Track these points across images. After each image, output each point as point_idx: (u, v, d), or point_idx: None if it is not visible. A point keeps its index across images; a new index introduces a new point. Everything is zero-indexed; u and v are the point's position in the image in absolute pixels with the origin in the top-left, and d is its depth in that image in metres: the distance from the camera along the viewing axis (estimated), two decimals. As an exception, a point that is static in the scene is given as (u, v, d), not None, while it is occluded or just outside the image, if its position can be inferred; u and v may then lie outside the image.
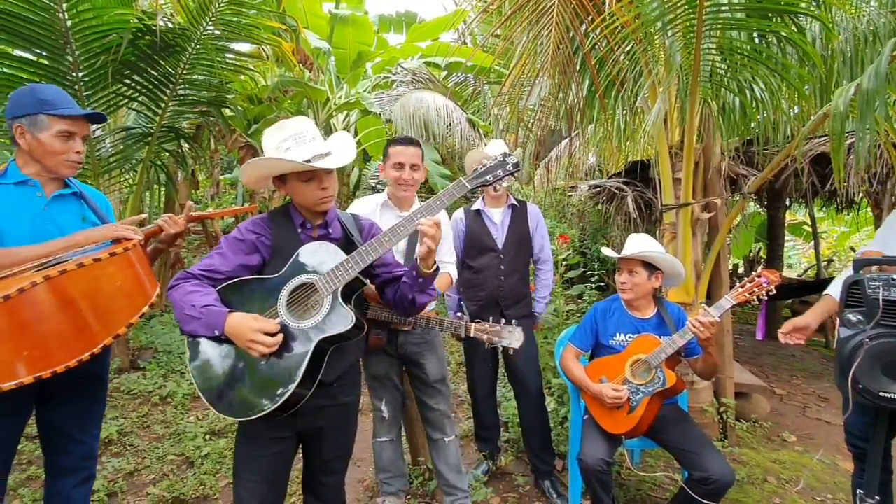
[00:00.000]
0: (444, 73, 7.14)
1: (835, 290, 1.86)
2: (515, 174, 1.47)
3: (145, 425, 3.34)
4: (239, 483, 1.47)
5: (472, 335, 1.75)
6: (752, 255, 10.30)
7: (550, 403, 3.05)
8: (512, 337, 1.69)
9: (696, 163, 3.31)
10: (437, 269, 1.48)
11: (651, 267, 2.17)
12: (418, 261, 1.43)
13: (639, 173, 4.49)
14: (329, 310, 1.33)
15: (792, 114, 3.27)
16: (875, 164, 3.98)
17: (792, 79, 2.78)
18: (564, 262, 3.48)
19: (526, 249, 2.56)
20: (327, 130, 7.23)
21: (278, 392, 1.30)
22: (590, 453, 2.00)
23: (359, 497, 2.53)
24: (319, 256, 1.40)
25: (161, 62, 3.71)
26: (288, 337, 1.32)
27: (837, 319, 1.63)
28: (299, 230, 1.51)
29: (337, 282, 1.34)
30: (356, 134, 7.18)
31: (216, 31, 3.67)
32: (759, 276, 1.89)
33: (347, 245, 1.47)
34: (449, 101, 5.59)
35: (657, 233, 3.40)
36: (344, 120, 6.85)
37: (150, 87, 3.80)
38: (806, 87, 3.01)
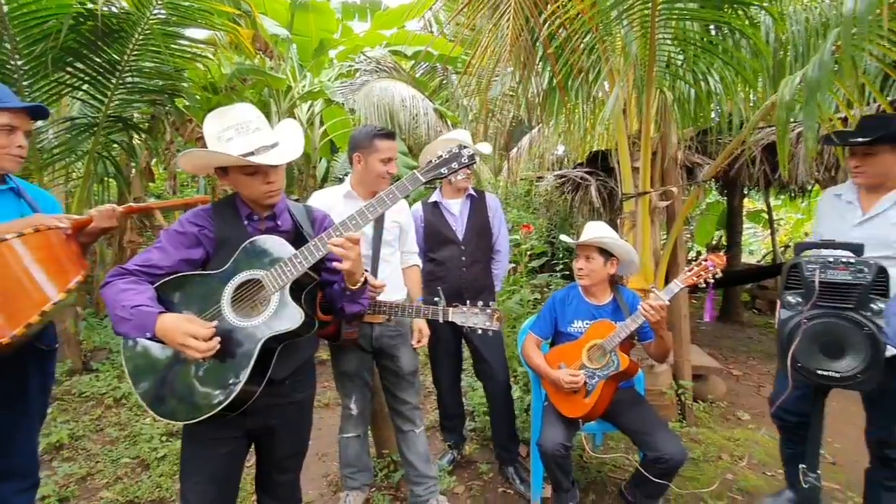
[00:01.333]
0: (410, 63, 7.05)
1: None
2: (471, 166, 1.45)
3: (98, 428, 3.21)
4: (186, 486, 1.42)
5: (450, 319, 1.73)
6: (713, 242, 10.67)
7: (516, 392, 3.08)
8: (491, 319, 1.69)
9: (654, 152, 3.38)
10: (366, 282, 1.45)
11: (607, 253, 2.20)
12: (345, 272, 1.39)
13: (601, 163, 4.56)
14: (276, 307, 1.29)
15: (745, 104, 3.37)
16: (823, 153, 4.16)
17: (744, 70, 2.86)
18: (529, 252, 3.51)
19: (486, 240, 2.56)
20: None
21: (223, 393, 1.25)
22: (549, 438, 2.03)
23: (322, 492, 2.50)
24: (266, 251, 1.35)
25: (105, 49, 3.52)
26: (232, 336, 1.28)
27: (777, 303, 1.69)
28: (245, 222, 1.45)
29: (284, 277, 1.30)
30: (321, 124, 7.02)
31: (164, 16, 3.49)
32: (705, 261, 1.94)
33: (297, 239, 1.42)
34: (415, 90, 5.51)
35: (618, 221, 3.46)
36: (308, 110, 6.67)
37: (95, 74, 3.60)
38: (759, 78, 3.10)
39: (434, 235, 2.51)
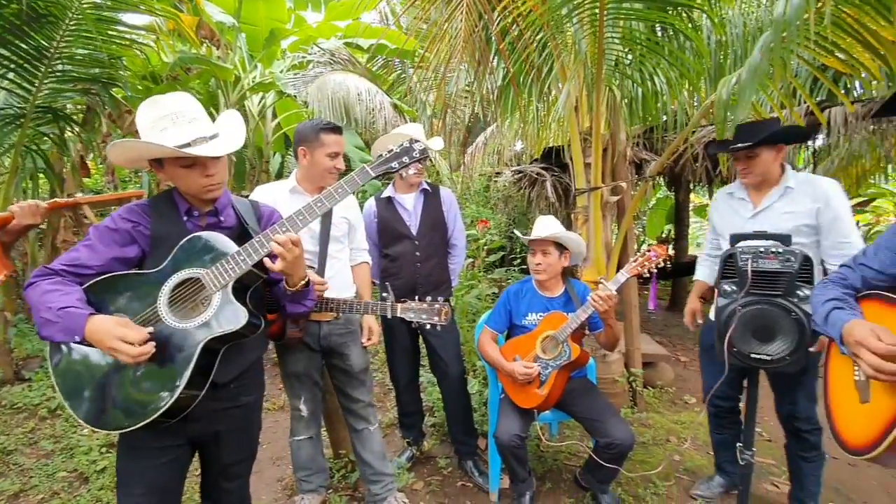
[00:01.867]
0: (366, 56, 6.93)
1: (700, 275, 2.41)
2: (423, 161, 1.43)
3: (32, 441, 2.99)
4: (124, 498, 1.34)
5: (398, 315, 1.72)
6: (663, 235, 11.17)
7: (475, 385, 3.11)
8: (440, 314, 1.69)
9: (605, 149, 3.48)
10: (308, 284, 1.41)
11: (561, 247, 2.25)
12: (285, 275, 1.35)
13: (555, 159, 4.66)
14: (218, 307, 1.23)
15: (688, 104, 3.53)
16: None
17: (687, 72, 2.99)
18: (486, 247, 3.54)
19: (441, 234, 2.55)
20: (241, 113, 6.78)
21: (161, 399, 1.19)
22: (504, 430, 2.06)
23: (277, 497, 2.43)
24: (207, 248, 1.28)
25: (32, 34, 3.25)
26: (170, 339, 1.21)
27: (716, 290, 1.79)
28: (185, 218, 1.37)
29: (226, 276, 1.24)
30: (274, 117, 6.78)
31: (98, 1, 3.26)
32: (649, 251, 2.02)
33: (242, 235, 1.36)
34: (372, 84, 5.42)
35: (572, 216, 3.55)
36: (260, 102, 6.43)
37: (21, 62, 3.32)
38: (701, 80, 3.26)
39: (388, 231, 2.48)
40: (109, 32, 3.49)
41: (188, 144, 1.25)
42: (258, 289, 1.40)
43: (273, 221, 1.45)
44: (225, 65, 4.99)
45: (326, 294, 1.93)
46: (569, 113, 3.26)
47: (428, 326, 1.68)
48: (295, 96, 4.98)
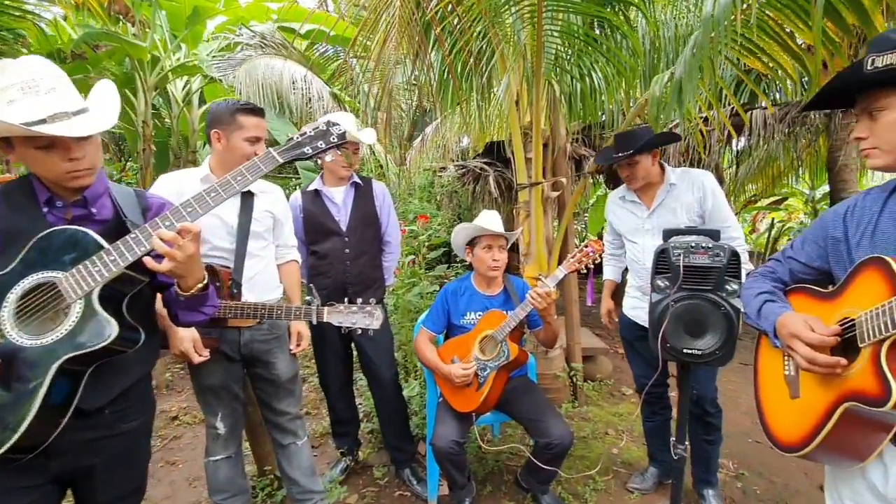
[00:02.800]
0: (305, 43, 6.57)
1: (608, 275, 2.58)
2: (341, 147, 1.27)
3: None
4: None
5: (325, 320, 1.58)
6: (589, 239, 11.58)
7: (415, 388, 2.99)
8: (371, 317, 1.56)
9: (545, 144, 3.47)
10: (207, 287, 1.21)
11: (507, 243, 2.19)
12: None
13: (498, 153, 4.62)
14: (78, 319, 1.01)
15: (624, 102, 3.59)
16: (689, 149, 4.62)
17: (623, 70, 3.01)
18: (427, 243, 3.41)
19: (374, 230, 2.39)
20: (164, 98, 6.23)
21: (4, 433, 0.96)
22: (441, 436, 1.96)
23: (192, 523, 2.19)
24: (67, 246, 1.05)
25: None
26: (16, 358, 0.98)
27: (649, 287, 1.77)
28: (45, 209, 1.13)
29: (90, 280, 1.02)
30: (203, 103, 6.29)
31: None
32: (586, 247, 1.99)
33: (119, 231, 1.14)
34: (309, 72, 5.13)
35: (514, 211, 3.51)
36: (185, 87, 5.92)
37: None
38: (636, 78, 3.31)
39: (314, 226, 2.29)
40: (4, 3, 3.01)
41: (43, 121, 1.02)
42: (143, 295, 1.19)
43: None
44: (138, 42, 4.51)
45: (246, 297, 1.73)
46: (509, 106, 3.21)
47: (359, 332, 1.54)
48: (221, 80, 4.59)
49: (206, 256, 1.68)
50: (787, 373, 1.13)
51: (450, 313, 2.22)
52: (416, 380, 3.15)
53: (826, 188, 10.35)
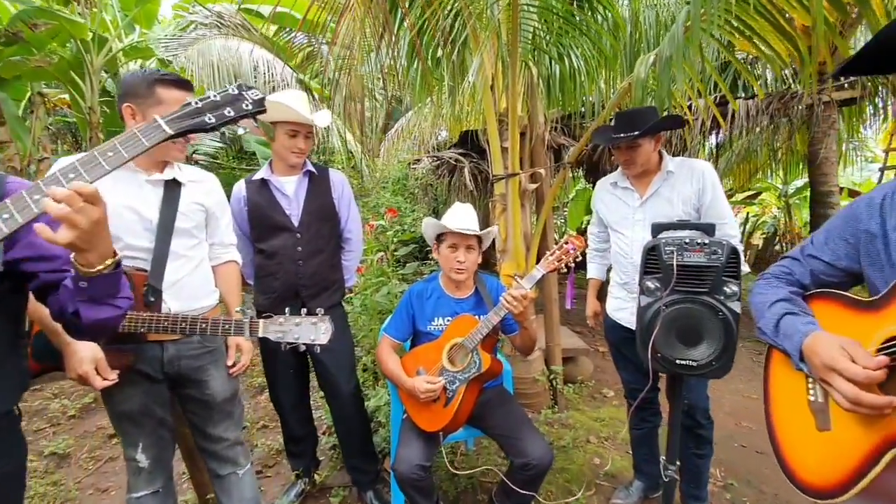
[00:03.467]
0: (271, 27, 6.19)
1: (592, 273, 2.36)
2: (257, 117, 1.01)
3: None
4: None
5: (260, 335, 1.33)
6: (584, 226, 11.50)
7: (383, 397, 2.74)
8: (316, 330, 1.32)
9: (522, 133, 3.25)
10: (118, 268, 0.93)
11: (480, 241, 1.95)
12: (75, 256, 0.87)
13: (472, 144, 4.39)
14: None
15: (606, 89, 3.39)
16: (671, 140, 4.47)
17: (605, 49, 2.81)
18: (396, 239, 3.16)
19: (331, 226, 2.11)
20: (116, 83, 5.78)
21: None
22: (404, 459, 1.72)
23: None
24: None
25: None
26: None
27: (637, 289, 1.57)
28: None
29: None
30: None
31: None
32: (566, 244, 1.77)
33: None
34: (274, 57, 4.79)
35: (490, 204, 3.29)
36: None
37: None
38: (618, 61, 3.11)
39: (261, 221, 2.01)
40: None
41: None
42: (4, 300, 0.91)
43: None
44: (78, 20, 4.10)
45: (170, 306, 1.46)
46: (484, 91, 2.97)
47: (303, 348, 1.29)
48: (171, 62, 4.21)
49: None
50: (811, 399, 0.93)
51: (415, 318, 1.98)
52: (384, 388, 2.91)
53: (798, 183, 10.50)
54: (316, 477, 2.28)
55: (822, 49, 2.31)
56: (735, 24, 2.27)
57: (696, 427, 2.00)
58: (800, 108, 4.41)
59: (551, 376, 3.30)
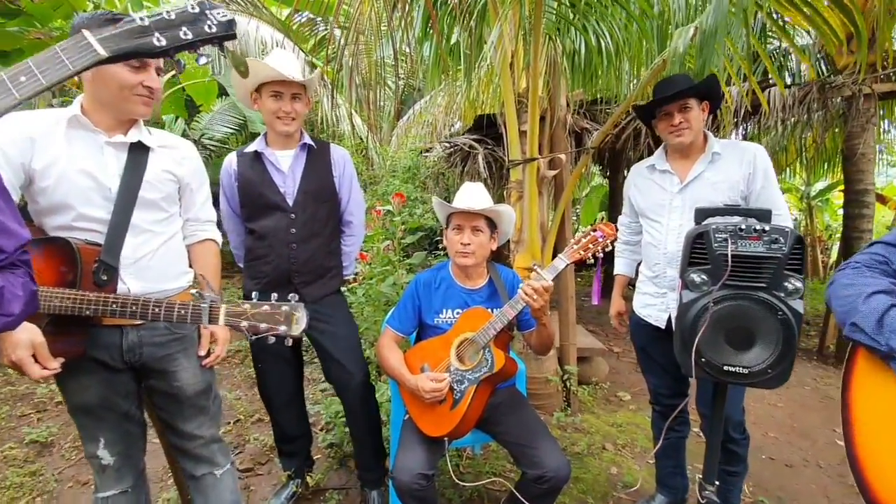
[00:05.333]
0: (284, 10, 6.01)
1: (620, 269, 2.15)
2: (224, 40, 0.82)
3: None
4: None
5: (220, 323, 1.14)
6: (598, 222, 11.23)
7: (386, 393, 2.55)
8: (289, 321, 1.13)
9: (542, 116, 3.03)
10: None
11: (492, 224, 1.74)
12: None
13: (488, 129, 4.17)
14: None
15: (632, 70, 3.14)
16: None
17: (641, 21, 2.57)
18: (403, 225, 2.97)
19: (329, 207, 1.90)
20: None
21: None
22: (404, 467, 1.53)
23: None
24: None
25: None
26: None
27: (679, 283, 1.36)
28: None
29: None
30: (166, 69, 5.71)
31: None
32: (594, 231, 1.56)
33: None
34: (284, 36, 4.61)
35: (505, 192, 3.08)
36: (146, 51, 5.37)
37: None
38: (649, 44, 2.86)
39: (253, 198, 1.81)
40: None
41: None
42: None
43: None
44: (80, -10, 3.95)
45: (130, 286, 1.27)
46: (502, 69, 2.75)
47: (272, 340, 1.11)
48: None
49: (70, 229, 1.22)
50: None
51: (421, 310, 1.79)
52: (385, 383, 2.73)
53: (821, 185, 10.10)
54: (309, 479, 2.10)
55: (882, 21, 2.06)
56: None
57: (728, 442, 1.77)
58: (838, 99, 4.12)
59: (565, 377, 3.10)
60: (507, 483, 1.85)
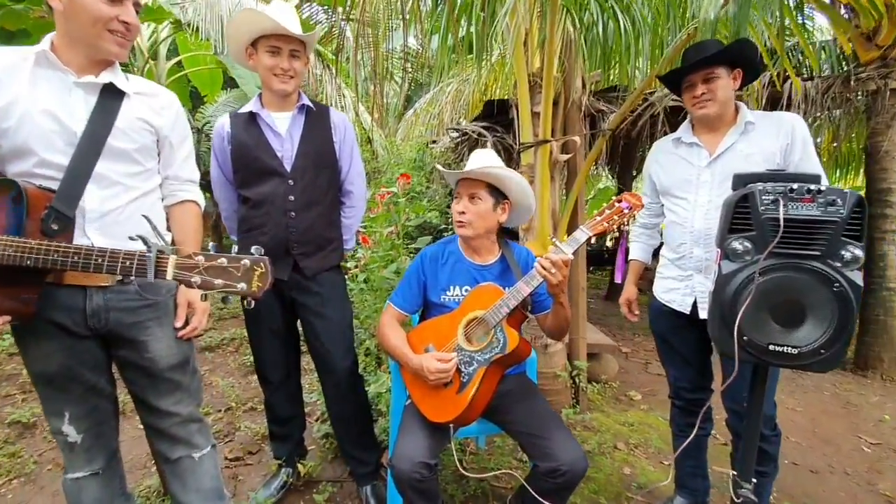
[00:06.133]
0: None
1: (635, 254, 1.99)
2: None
3: None
4: None
5: (168, 278, 0.98)
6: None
7: (385, 383, 2.41)
8: (248, 276, 0.97)
9: (556, 99, 2.90)
10: None
11: (498, 193, 1.60)
12: None
13: (498, 116, 4.03)
14: None
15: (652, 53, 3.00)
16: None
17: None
18: (407, 210, 2.84)
19: (329, 174, 1.77)
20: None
21: None
22: (405, 455, 1.39)
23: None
24: None
25: None
26: None
27: (718, 253, 1.21)
28: None
29: None
30: (173, 56, 5.66)
31: None
32: (619, 202, 1.42)
33: None
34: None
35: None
36: (150, 36, 5.27)
37: None
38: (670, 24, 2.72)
39: (248, 162, 1.67)
40: None
41: None
42: None
43: None
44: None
45: (97, 243, 1.14)
46: (515, 47, 2.62)
47: (231, 300, 0.97)
48: (181, 21, 3.93)
49: (30, 176, 1.10)
50: None
51: (426, 286, 1.65)
52: (387, 373, 2.59)
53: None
54: (301, 467, 1.95)
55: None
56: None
57: (761, 439, 1.63)
58: (861, 95, 3.97)
59: (574, 372, 2.95)
60: (518, 477, 1.70)
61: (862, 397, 3.48)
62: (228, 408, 2.73)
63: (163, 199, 1.35)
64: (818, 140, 5.65)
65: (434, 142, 5.47)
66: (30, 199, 1.02)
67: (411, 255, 2.82)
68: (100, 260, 1.01)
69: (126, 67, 6.19)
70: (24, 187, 1.02)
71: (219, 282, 0.96)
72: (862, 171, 5.04)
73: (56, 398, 1.22)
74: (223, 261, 0.97)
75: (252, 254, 0.99)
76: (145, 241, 0.95)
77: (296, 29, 1.60)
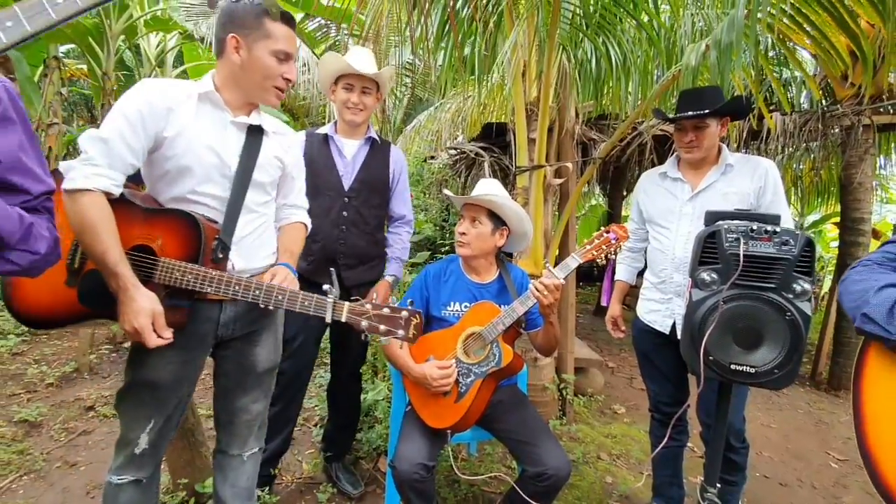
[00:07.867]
0: (300, 15, 6.12)
1: (621, 275, 2.18)
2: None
3: None
4: None
5: (344, 320, 1.19)
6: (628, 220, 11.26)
7: (382, 391, 2.54)
8: (408, 325, 1.20)
9: (551, 126, 3.08)
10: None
11: (497, 219, 1.76)
12: None
13: (496, 137, 4.22)
14: None
15: (641, 81, 3.20)
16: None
17: (651, 30, 2.63)
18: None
19: (380, 198, 1.99)
20: (135, 55, 5.69)
21: None
22: (405, 457, 1.52)
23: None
24: None
25: None
26: None
27: (689, 282, 1.38)
28: None
29: None
30: (179, 65, 5.79)
31: None
32: (607, 232, 1.58)
33: None
34: (298, 38, 4.68)
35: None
36: (158, 45, 5.41)
37: None
38: (658, 60, 2.93)
39: (314, 176, 1.81)
40: None
41: None
42: None
43: None
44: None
45: (233, 263, 1.27)
46: (515, 78, 2.80)
47: (384, 340, 1.18)
48: (192, 33, 4.09)
49: (184, 201, 1.23)
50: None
51: (429, 301, 1.80)
52: (384, 381, 2.71)
53: (814, 217, 10.23)
54: (282, 462, 2.13)
55: (889, 48, 2.13)
56: (792, 14, 2.10)
57: (727, 450, 1.78)
58: (836, 129, 4.22)
59: (561, 385, 3.09)
60: (509, 480, 1.83)
61: (833, 416, 3.66)
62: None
63: (278, 221, 1.50)
64: (799, 167, 5.94)
65: (432, 157, 5.64)
66: (205, 232, 1.17)
67: (410, 269, 2.96)
68: (280, 297, 1.19)
69: (130, 71, 6.30)
70: (202, 222, 1.16)
71: (383, 328, 1.17)
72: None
73: (150, 405, 1.26)
74: (387, 311, 1.18)
75: (407, 306, 1.21)
76: (327, 292, 1.17)
77: (367, 69, 1.82)
